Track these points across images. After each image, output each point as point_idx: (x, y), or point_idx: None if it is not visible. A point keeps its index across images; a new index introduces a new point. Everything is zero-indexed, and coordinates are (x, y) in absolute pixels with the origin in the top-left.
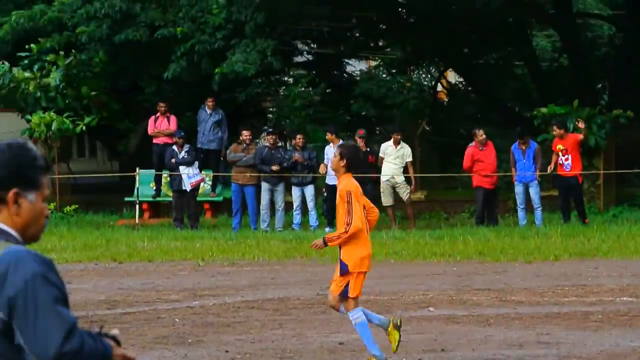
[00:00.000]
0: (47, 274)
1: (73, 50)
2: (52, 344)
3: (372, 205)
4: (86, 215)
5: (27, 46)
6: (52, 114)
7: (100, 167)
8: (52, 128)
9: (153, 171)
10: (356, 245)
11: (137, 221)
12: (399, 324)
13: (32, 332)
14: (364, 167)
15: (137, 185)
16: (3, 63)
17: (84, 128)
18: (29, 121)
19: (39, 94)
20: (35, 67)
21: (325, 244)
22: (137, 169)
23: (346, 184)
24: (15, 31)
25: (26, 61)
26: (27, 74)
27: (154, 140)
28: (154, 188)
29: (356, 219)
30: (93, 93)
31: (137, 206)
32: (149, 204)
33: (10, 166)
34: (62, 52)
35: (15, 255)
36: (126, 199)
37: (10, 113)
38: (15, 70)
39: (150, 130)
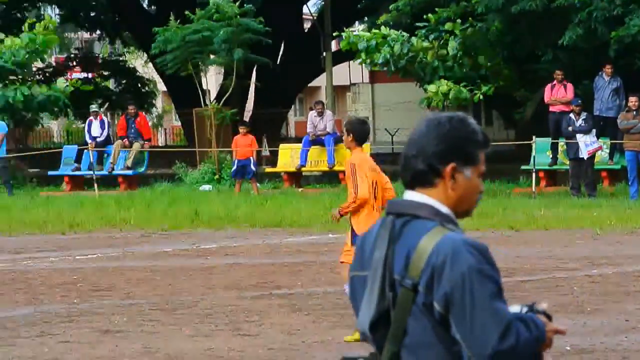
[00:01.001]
0: (482, 266)
1: (469, 19)
2: (488, 343)
3: (387, 181)
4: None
5: (424, 16)
6: (449, 83)
7: (496, 136)
8: (450, 97)
9: (549, 139)
10: (366, 217)
11: (533, 189)
12: None
13: (468, 329)
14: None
15: (533, 153)
16: (402, 33)
17: (481, 97)
18: (426, 90)
19: (436, 63)
20: (433, 37)
21: (340, 214)
22: (534, 137)
23: (353, 157)
24: (414, 2)
25: (424, 31)
26: (425, 44)
27: (550, 109)
28: (551, 156)
29: (362, 189)
30: (489, 63)
31: (534, 174)
32: (545, 172)
33: (449, 140)
34: (458, 21)
35: (452, 246)
36: (522, 167)
37: (408, 83)
38: (413, 40)
39: (546, 99)
